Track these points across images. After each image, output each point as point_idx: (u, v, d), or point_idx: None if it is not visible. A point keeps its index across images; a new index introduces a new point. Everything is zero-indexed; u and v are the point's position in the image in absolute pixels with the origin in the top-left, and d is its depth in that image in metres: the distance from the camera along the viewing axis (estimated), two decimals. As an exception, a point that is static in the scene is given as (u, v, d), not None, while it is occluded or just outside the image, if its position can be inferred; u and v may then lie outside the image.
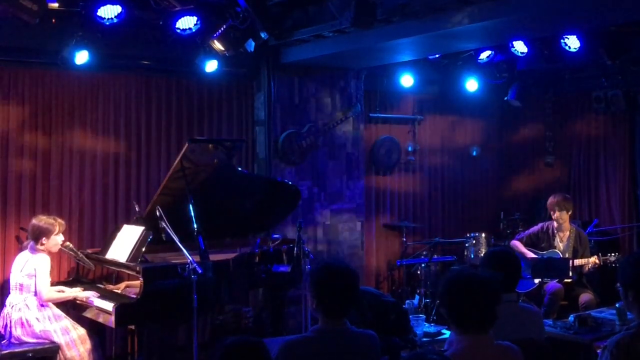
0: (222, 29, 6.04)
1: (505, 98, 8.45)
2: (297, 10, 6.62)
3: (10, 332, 5.30)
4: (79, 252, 5.70)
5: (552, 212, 6.82)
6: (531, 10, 5.20)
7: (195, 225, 5.29)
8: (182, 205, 5.41)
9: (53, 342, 5.28)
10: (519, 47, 7.16)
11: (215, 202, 5.94)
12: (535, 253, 6.80)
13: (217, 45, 6.09)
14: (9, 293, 5.49)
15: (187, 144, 5.50)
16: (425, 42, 6.31)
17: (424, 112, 8.92)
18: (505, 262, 4.00)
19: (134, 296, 5.23)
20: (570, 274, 6.41)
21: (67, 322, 5.41)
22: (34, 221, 5.49)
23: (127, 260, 5.40)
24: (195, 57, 6.49)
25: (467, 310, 2.89)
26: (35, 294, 5.36)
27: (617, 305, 5.21)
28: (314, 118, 7.63)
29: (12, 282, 5.45)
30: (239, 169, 6.30)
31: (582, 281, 6.73)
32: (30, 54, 6.14)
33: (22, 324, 5.28)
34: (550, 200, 6.86)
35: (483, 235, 8.04)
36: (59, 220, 5.59)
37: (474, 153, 9.28)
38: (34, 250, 5.44)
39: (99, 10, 5.54)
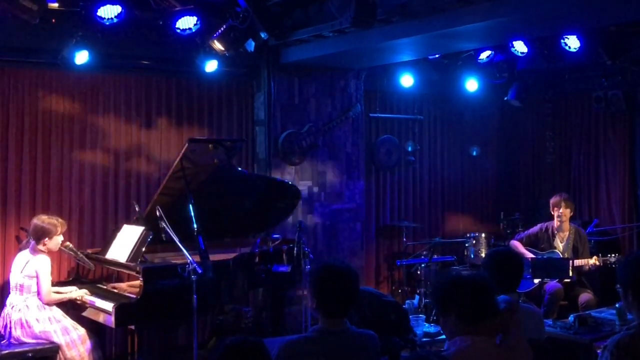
0: (222, 29, 6.03)
1: (505, 98, 8.44)
2: (297, 10, 6.61)
3: (10, 332, 5.29)
4: (79, 252, 5.70)
5: (556, 209, 6.81)
6: (531, 10, 5.18)
7: (195, 225, 5.29)
8: (182, 205, 5.42)
9: (53, 343, 5.27)
10: (519, 47, 7.15)
11: (215, 202, 5.95)
12: (534, 253, 6.80)
13: (217, 45, 6.08)
14: (9, 293, 5.49)
15: (187, 144, 5.50)
16: (425, 42, 6.31)
17: (424, 112, 8.92)
18: (508, 263, 4.01)
19: (134, 296, 5.23)
20: (571, 273, 6.41)
21: (67, 322, 5.40)
22: (36, 221, 5.46)
23: (127, 260, 5.40)
24: (195, 57, 6.49)
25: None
26: (39, 293, 5.35)
27: (617, 305, 5.21)
28: (314, 118, 7.62)
29: (12, 282, 5.44)
30: (239, 169, 6.30)
31: (581, 281, 6.73)
32: (30, 54, 6.14)
33: (22, 324, 5.27)
34: (555, 198, 6.87)
35: (483, 235, 8.05)
36: (60, 220, 5.58)
37: (474, 153, 9.27)
38: (34, 251, 5.42)
39: (99, 10, 5.54)
